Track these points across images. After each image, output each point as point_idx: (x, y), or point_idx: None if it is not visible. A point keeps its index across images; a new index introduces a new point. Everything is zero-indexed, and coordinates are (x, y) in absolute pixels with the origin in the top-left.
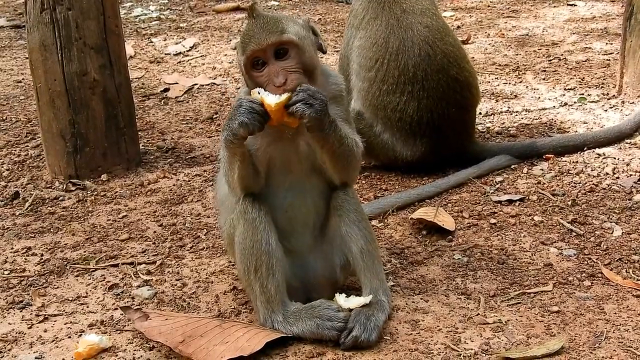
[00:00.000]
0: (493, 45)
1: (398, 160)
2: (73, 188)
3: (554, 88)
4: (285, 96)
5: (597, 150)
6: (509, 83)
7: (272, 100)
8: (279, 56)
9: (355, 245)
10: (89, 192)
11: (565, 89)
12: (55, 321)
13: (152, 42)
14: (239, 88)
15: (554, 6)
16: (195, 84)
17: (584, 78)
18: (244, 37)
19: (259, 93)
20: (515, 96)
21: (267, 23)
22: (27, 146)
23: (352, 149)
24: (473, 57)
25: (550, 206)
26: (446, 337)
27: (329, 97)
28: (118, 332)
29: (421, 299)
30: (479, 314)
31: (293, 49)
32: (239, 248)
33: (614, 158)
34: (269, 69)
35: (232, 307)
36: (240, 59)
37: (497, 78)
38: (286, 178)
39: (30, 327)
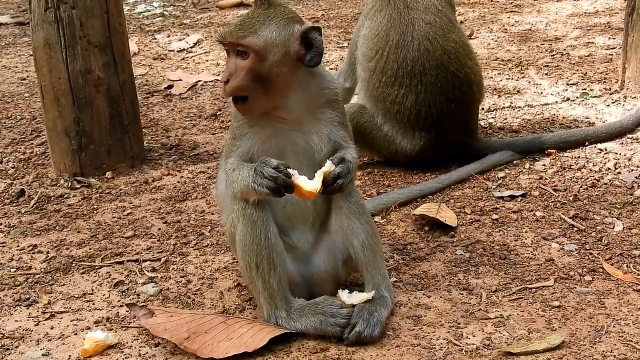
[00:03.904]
0: (496, 41)
1: (399, 153)
2: (78, 186)
3: (556, 83)
4: (319, 180)
5: (599, 146)
6: (512, 78)
7: (308, 186)
8: (239, 54)
9: (357, 239)
10: (93, 190)
11: (567, 84)
12: (61, 318)
13: (155, 38)
14: None
15: (557, 1)
16: (199, 81)
17: (586, 73)
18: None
19: (292, 175)
20: (518, 91)
21: (249, 19)
22: (32, 144)
23: (356, 170)
24: (476, 53)
25: (551, 201)
26: (448, 332)
27: (323, 101)
28: (124, 328)
29: (423, 294)
30: (480, 309)
31: (252, 54)
32: (240, 245)
33: (616, 153)
34: (228, 61)
35: (237, 303)
36: None
37: (500, 73)
38: None
39: (36, 324)
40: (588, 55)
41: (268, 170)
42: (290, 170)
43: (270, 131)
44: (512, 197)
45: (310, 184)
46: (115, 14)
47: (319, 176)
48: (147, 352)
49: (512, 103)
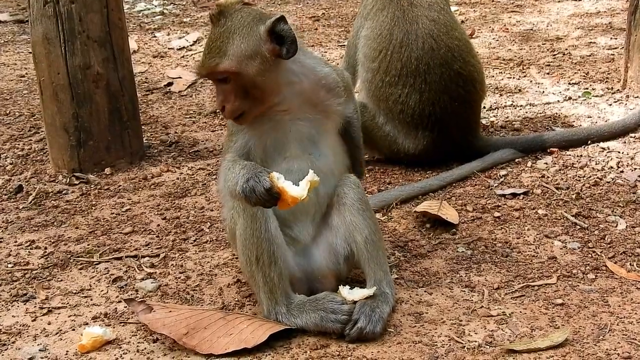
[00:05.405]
0: (497, 40)
1: (401, 152)
2: (76, 182)
3: (558, 82)
4: (306, 188)
5: (602, 144)
6: (513, 77)
7: (294, 193)
8: (221, 81)
9: (360, 234)
10: (92, 186)
11: (569, 84)
12: (59, 314)
13: (155, 36)
14: None
15: (558, 1)
16: (199, 78)
17: (588, 72)
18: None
19: (277, 179)
20: (520, 90)
21: (214, 43)
22: (31, 140)
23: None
24: (477, 52)
25: (554, 199)
26: (450, 329)
27: (323, 91)
28: (122, 324)
29: (425, 291)
30: (482, 306)
31: (232, 76)
32: (241, 239)
33: (618, 152)
34: (215, 89)
35: (236, 299)
36: None
37: (501, 72)
38: (281, 164)
39: (34, 320)
40: (590, 55)
41: (259, 189)
42: (276, 174)
43: (268, 126)
44: (514, 195)
45: (295, 192)
46: (115, 9)
47: (305, 184)
48: (145, 348)
49: (513, 102)
